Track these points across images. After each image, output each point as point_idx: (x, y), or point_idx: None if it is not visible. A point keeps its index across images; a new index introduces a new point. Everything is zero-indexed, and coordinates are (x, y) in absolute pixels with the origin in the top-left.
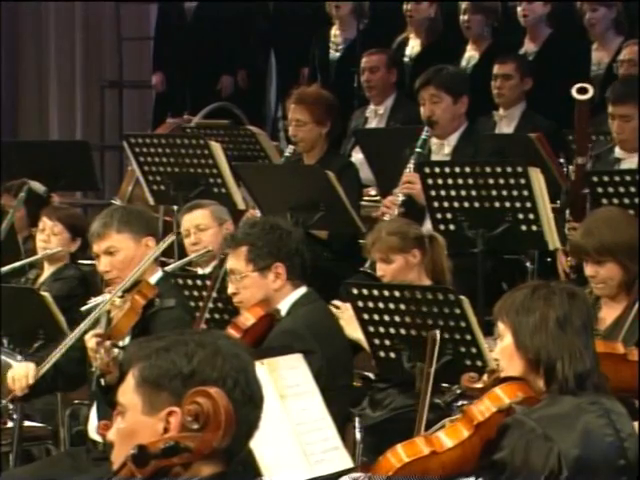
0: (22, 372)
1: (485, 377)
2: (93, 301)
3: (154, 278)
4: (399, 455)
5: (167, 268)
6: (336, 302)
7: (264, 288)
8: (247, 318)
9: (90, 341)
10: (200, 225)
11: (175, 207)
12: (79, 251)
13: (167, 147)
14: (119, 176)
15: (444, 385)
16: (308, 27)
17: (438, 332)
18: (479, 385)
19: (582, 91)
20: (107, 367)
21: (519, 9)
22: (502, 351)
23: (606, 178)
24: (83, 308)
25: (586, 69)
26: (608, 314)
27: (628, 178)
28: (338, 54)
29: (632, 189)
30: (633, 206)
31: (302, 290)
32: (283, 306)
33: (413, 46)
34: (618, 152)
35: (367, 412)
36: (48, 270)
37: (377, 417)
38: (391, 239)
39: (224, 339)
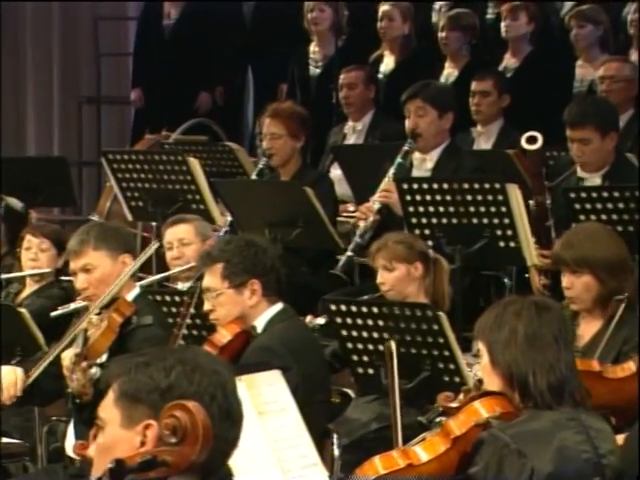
0: (11, 379)
1: (461, 396)
2: (62, 308)
3: (131, 295)
4: (375, 467)
5: (144, 282)
6: None
7: (240, 305)
8: (223, 335)
9: (66, 361)
10: (183, 240)
11: (154, 223)
12: (64, 267)
13: (145, 163)
14: (97, 192)
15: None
16: (285, 44)
17: (394, 343)
18: (455, 404)
19: (531, 140)
20: (82, 388)
21: (502, 25)
22: (482, 369)
23: (583, 194)
24: (53, 314)
25: (568, 86)
26: (586, 331)
27: (599, 194)
28: (318, 70)
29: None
30: (611, 223)
31: (278, 306)
32: (259, 323)
33: (387, 63)
34: (580, 173)
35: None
36: (31, 287)
37: (356, 432)
38: (397, 247)
39: (204, 355)
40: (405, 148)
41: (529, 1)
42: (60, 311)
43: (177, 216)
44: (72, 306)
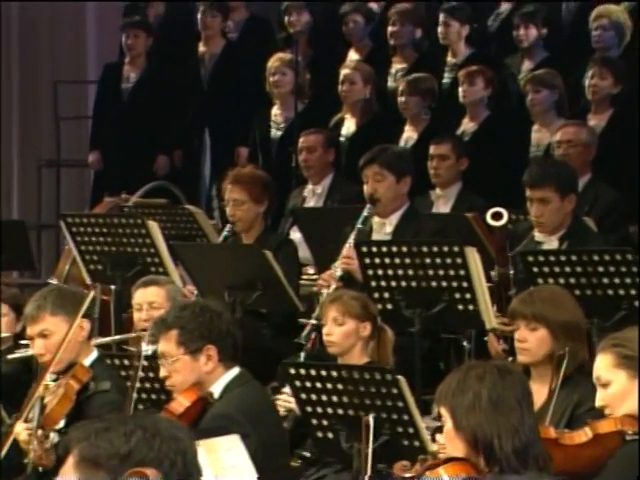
0: None
1: (417, 466)
2: (20, 352)
3: (89, 360)
4: None
5: (99, 341)
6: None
7: (196, 371)
8: (180, 403)
9: (22, 434)
10: (153, 303)
11: (112, 287)
12: (22, 331)
13: (104, 226)
14: (56, 255)
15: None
16: (243, 106)
17: (372, 417)
18: (411, 474)
19: (497, 216)
20: (40, 460)
21: (460, 90)
22: (445, 435)
23: (541, 258)
24: (10, 356)
25: (525, 150)
26: (537, 395)
27: (557, 258)
28: (279, 133)
29: (557, 269)
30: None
31: (235, 371)
32: (216, 388)
33: (349, 126)
34: (538, 236)
35: None
36: None
37: None
38: (352, 303)
39: (165, 421)
40: (364, 214)
41: (486, 66)
42: (17, 355)
43: (149, 277)
44: (30, 351)
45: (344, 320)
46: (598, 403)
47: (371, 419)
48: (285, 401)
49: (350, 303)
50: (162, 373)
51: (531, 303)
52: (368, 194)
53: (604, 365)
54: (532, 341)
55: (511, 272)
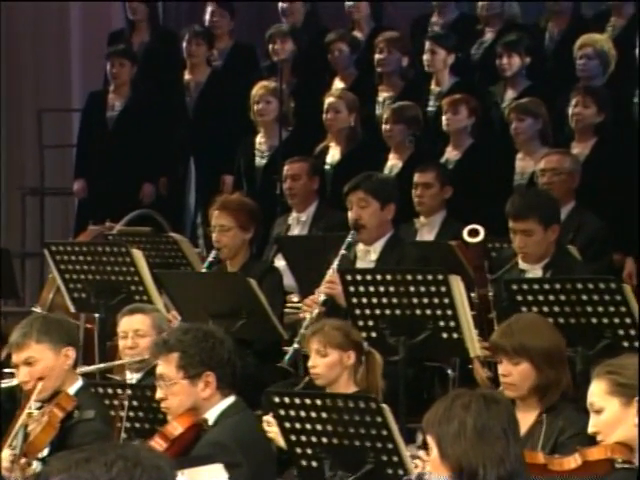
0: None
1: None
2: (6, 382)
3: (73, 388)
4: None
5: (85, 369)
6: (267, 418)
7: (193, 396)
8: (175, 427)
9: (5, 460)
10: (139, 331)
11: (97, 315)
12: (6, 359)
13: (88, 254)
14: (40, 283)
15: None
16: (228, 134)
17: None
18: None
19: (473, 233)
20: None
21: (443, 118)
22: (431, 463)
23: (525, 286)
24: None
25: (509, 179)
26: (522, 422)
27: (541, 286)
28: (264, 161)
29: (541, 297)
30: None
31: (231, 399)
32: (211, 415)
33: (333, 154)
34: (522, 264)
35: None
36: None
37: None
38: (333, 333)
39: (146, 451)
40: (348, 240)
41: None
42: (3, 385)
43: (134, 305)
44: (15, 381)
45: (327, 351)
46: (590, 429)
47: None
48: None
49: (332, 334)
50: (158, 395)
51: (511, 336)
52: (352, 220)
53: (598, 391)
54: (515, 375)
55: (490, 294)
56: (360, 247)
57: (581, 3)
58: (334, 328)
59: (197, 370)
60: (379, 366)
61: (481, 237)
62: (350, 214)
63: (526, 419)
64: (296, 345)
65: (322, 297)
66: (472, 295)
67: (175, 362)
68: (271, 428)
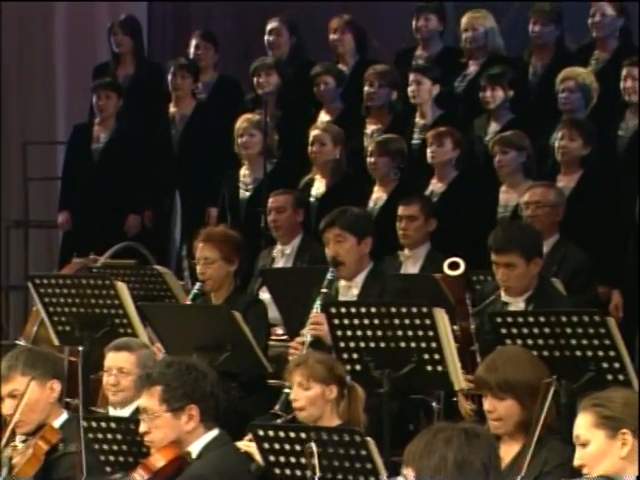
0: None
1: None
2: None
3: (59, 421)
4: None
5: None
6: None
7: (176, 429)
8: (157, 459)
9: None
10: (123, 368)
11: (80, 348)
12: None
13: (72, 287)
14: (24, 316)
15: None
16: (214, 167)
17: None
18: None
19: (454, 266)
20: None
21: (428, 151)
22: None
23: (509, 319)
24: None
25: (492, 211)
26: (506, 453)
27: (525, 319)
28: (248, 194)
29: (525, 330)
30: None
31: (214, 432)
32: (194, 448)
33: (318, 187)
34: (504, 297)
35: None
36: None
37: None
38: (317, 366)
39: None
40: (329, 277)
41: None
42: None
43: (122, 341)
44: None
45: (309, 385)
46: (576, 462)
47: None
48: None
49: (315, 367)
50: (142, 428)
51: (495, 371)
52: (331, 257)
53: (584, 424)
54: (501, 410)
55: (472, 326)
56: (342, 283)
57: (565, 36)
58: (318, 361)
59: (180, 403)
60: (361, 400)
61: (461, 270)
62: (327, 251)
63: (511, 450)
64: (287, 390)
65: (308, 338)
66: (454, 327)
67: (158, 395)
68: (251, 444)
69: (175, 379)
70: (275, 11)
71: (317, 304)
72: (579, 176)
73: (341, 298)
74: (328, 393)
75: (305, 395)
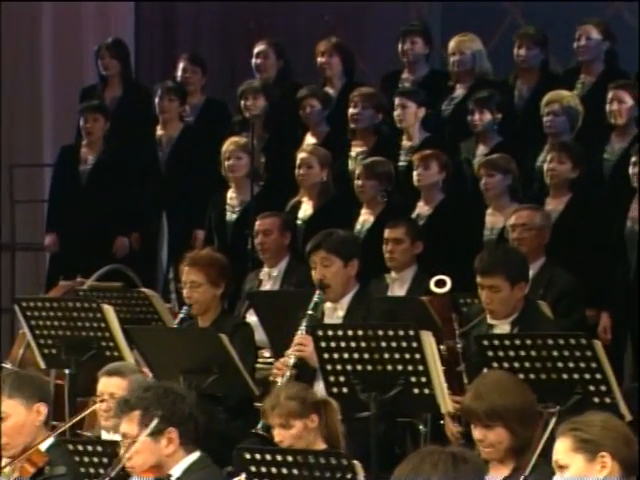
0: None
1: None
2: None
3: (45, 444)
4: None
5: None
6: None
7: (156, 453)
8: None
9: None
10: (115, 394)
11: (67, 370)
12: None
13: (59, 310)
14: (10, 339)
15: None
16: (201, 189)
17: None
18: None
19: (440, 284)
20: None
21: (414, 173)
22: None
23: (496, 342)
24: None
25: (478, 234)
26: (495, 477)
27: (512, 342)
28: (235, 216)
29: (512, 353)
30: (522, 370)
31: (195, 455)
32: (175, 471)
33: (305, 209)
34: (490, 319)
35: None
36: None
37: None
38: (291, 404)
39: None
40: (315, 300)
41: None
42: None
43: (115, 366)
44: None
45: (290, 423)
46: None
47: None
48: None
49: (289, 405)
50: (122, 454)
51: (481, 399)
52: (317, 280)
53: (563, 449)
54: (491, 438)
55: (459, 345)
56: (327, 305)
57: (551, 60)
58: (290, 398)
59: (159, 427)
60: (336, 412)
61: (448, 287)
62: (314, 274)
63: (499, 474)
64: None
65: (292, 360)
66: (441, 347)
67: (137, 420)
68: None
69: (153, 403)
70: (262, 34)
71: (303, 325)
72: (568, 199)
73: (327, 320)
74: (310, 424)
75: (289, 434)
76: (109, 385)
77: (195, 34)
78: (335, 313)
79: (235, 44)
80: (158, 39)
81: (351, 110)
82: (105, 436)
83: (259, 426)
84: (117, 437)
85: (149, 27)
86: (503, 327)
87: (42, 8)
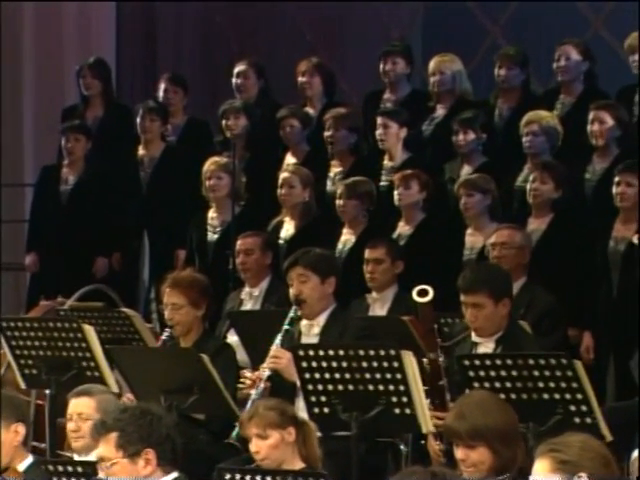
0: None
1: None
2: None
3: (23, 465)
4: None
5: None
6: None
7: (134, 475)
8: None
9: None
10: (82, 414)
11: (47, 391)
12: None
13: (39, 330)
14: None
15: None
16: (182, 209)
17: None
18: None
19: (422, 293)
20: None
21: (395, 193)
22: None
23: (477, 362)
24: None
25: (458, 254)
26: None
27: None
28: (216, 236)
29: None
30: (504, 390)
31: (173, 475)
32: None
33: (287, 229)
34: (475, 337)
35: None
36: None
37: None
38: (269, 414)
39: None
40: (291, 315)
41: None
42: None
43: (83, 387)
44: None
45: (267, 433)
46: None
47: None
48: None
49: (268, 415)
50: (100, 475)
51: (463, 420)
52: (294, 296)
53: (541, 470)
54: (474, 458)
55: (441, 359)
56: (304, 322)
57: (531, 80)
58: (268, 409)
59: (136, 448)
60: (314, 435)
61: (430, 297)
62: (291, 290)
63: None
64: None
65: (266, 373)
66: (423, 360)
67: (114, 442)
68: None
69: (129, 424)
70: (242, 54)
71: (278, 339)
72: (550, 219)
73: (303, 338)
74: (287, 436)
75: (266, 444)
76: (77, 405)
77: (176, 54)
78: (311, 330)
79: (216, 64)
80: (139, 59)
81: (326, 133)
82: (76, 459)
83: (233, 435)
84: (89, 458)
85: (130, 46)
86: (488, 345)
87: (23, 27)
